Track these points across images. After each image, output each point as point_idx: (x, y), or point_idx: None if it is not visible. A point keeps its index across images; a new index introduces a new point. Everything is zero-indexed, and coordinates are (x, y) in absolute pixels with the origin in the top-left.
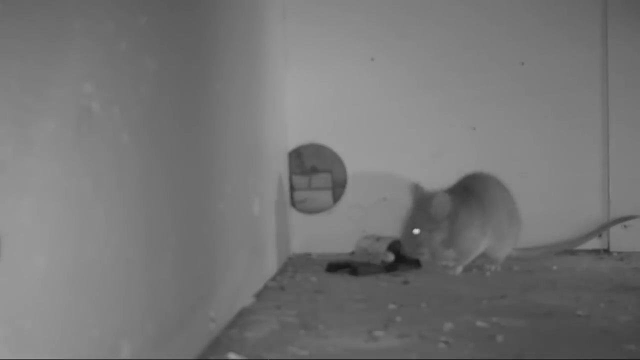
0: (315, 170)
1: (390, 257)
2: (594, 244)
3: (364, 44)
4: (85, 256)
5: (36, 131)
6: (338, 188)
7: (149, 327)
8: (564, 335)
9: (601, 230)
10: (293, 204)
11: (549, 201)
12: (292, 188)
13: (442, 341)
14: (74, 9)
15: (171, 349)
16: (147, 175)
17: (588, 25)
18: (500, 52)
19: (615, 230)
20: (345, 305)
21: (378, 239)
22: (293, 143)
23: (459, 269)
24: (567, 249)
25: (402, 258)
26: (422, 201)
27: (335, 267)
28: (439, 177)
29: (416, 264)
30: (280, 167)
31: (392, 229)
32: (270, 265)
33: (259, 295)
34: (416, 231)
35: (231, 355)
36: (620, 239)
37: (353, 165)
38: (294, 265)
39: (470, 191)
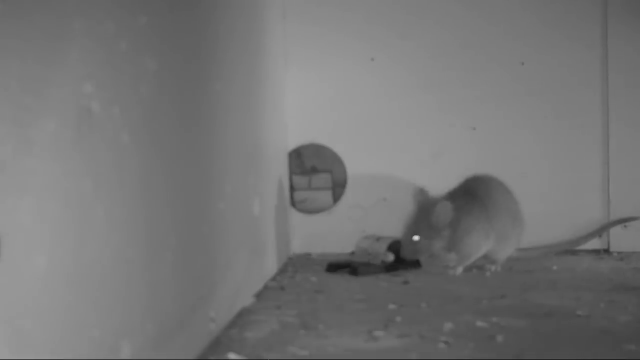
0: (315, 170)
1: (390, 257)
2: (594, 244)
3: (364, 44)
4: (85, 256)
5: (36, 131)
6: (338, 188)
7: (149, 327)
8: (564, 335)
9: (601, 231)
10: (293, 204)
11: (549, 201)
12: (292, 188)
13: (442, 341)
14: (74, 9)
15: (171, 349)
16: (147, 175)
17: (588, 25)
18: (500, 52)
19: (615, 230)
20: (345, 305)
21: (378, 239)
22: (293, 143)
23: (460, 269)
24: (567, 249)
25: (402, 258)
26: (424, 208)
27: (335, 267)
28: (439, 177)
29: (416, 264)
30: (280, 167)
31: (392, 229)
32: (270, 265)
33: (259, 295)
34: (416, 238)
35: (231, 355)
36: (620, 239)
37: (353, 165)
38: (294, 265)
39: (474, 195)
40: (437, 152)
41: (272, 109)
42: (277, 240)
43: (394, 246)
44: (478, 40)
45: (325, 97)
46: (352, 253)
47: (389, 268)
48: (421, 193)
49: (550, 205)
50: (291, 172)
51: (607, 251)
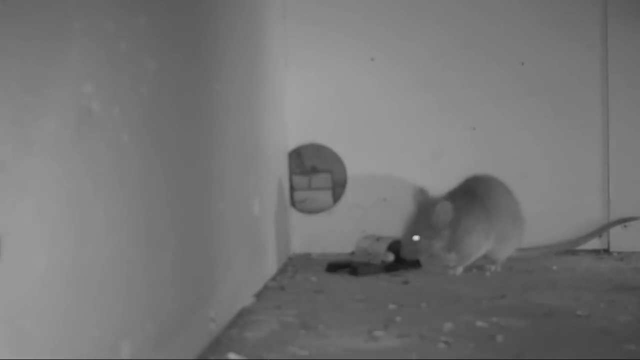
0: (315, 170)
1: (390, 257)
2: (594, 244)
3: (364, 44)
4: (85, 256)
5: (36, 131)
6: (338, 188)
7: (149, 327)
8: (564, 335)
9: (601, 231)
10: (293, 204)
11: (549, 201)
12: (292, 188)
13: (442, 341)
14: (74, 9)
15: (171, 349)
16: (147, 175)
17: (588, 25)
18: (500, 52)
19: (615, 230)
20: (345, 305)
21: (378, 239)
22: (293, 143)
23: (460, 269)
24: (567, 249)
25: (402, 258)
26: (424, 208)
27: (335, 267)
28: (439, 177)
29: (416, 264)
30: (280, 167)
31: (392, 229)
32: (270, 265)
33: (259, 295)
34: (416, 238)
35: (231, 355)
36: (620, 239)
37: (353, 165)
38: (294, 265)
39: (474, 195)
40: (437, 152)
41: (272, 109)
42: (277, 240)
43: (394, 246)
44: (478, 40)
45: (325, 97)
46: (352, 253)
47: (389, 268)
48: (421, 193)
49: (550, 205)
50: (291, 172)
51: (607, 251)
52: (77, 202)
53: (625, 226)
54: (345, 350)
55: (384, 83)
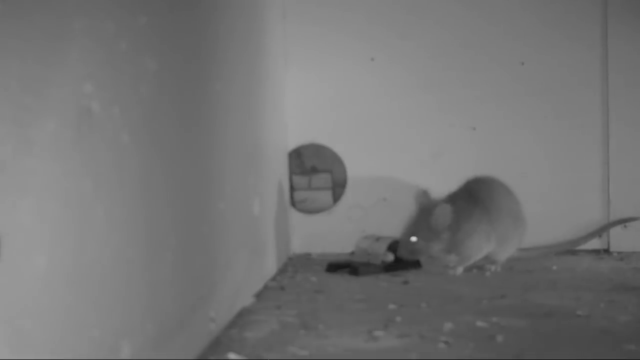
0: (315, 170)
1: (390, 257)
2: (594, 244)
3: (364, 44)
4: (85, 256)
5: (36, 131)
6: (338, 188)
7: (149, 327)
8: (564, 335)
9: (601, 231)
10: (293, 204)
11: (549, 201)
12: (292, 188)
13: (442, 341)
14: (74, 9)
15: (171, 349)
16: (147, 175)
17: (588, 25)
18: (500, 52)
19: (615, 230)
20: (345, 305)
21: (378, 239)
22: (293, 143)
23: (460, 270)
24: (568, 249)
25: (401, 258)
26: (424, 210)
27: (335, 267)
28: (439, 177)
29: (416, 264)
30: (280, 167)
31: (392, 229)
32: (270, 265)
33: (259, 295)
34: (413, 239)
35: (231, 355)
36: (620, 239)
37: (353, 165)
38: (294, 265)
39: (475, 197)
40: (437, 152)
41: (272, 109)
42: (277, 240)
43: (394, 246)
44: (478, 40)
45: (325, 97)
46: (352, 253)
47: (389, 268)
48: (423, 195)
49: (550, 205)
50: (291, 172)
51: (607, 251)
52: (77, 202)
53: (625, 226)
54: (345, 350)
55: (384, 83)
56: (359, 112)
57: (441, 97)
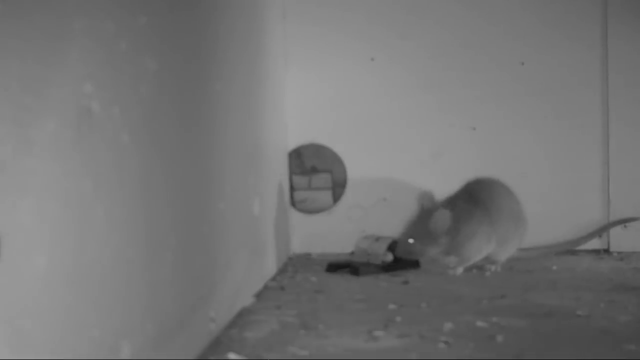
0: (315, 170)
1: (390, 257)
2: (594, 244)
3: (364, 44)
4: (85, 256)
5: (36, 131)
6: (338, 188)
7: (149, 327)
8: (564, 335)
9: (601, 231)
10: (293, 204)
11: (549, 201)
12: (292, 188)
13: (442, 341)
14: (74, 9)
15: (171, 349)
16: (147, 175)
17: (588, 25)
18: (500, 52)
19: (615, 230)
20: (345, 305)
21: (377, 239)
22: (293, 143)
23: (460, 270)
24: (568, 249)
25: (400, 258)
26: (424, 213)
27: (336, 267)
28: (439, 177)
29: (415, 264)
30: (280, 167)
31: (392, 229)
32: (270, 265)
33: (259, 295)
34: (411, 241)
35: (231, 355)
36: (620, 239)
37: (353, 165)
38: (294, 265)
39: (476, 199)
40: (437, 152)
41: (272, 109)
42: (277, 240)
43: (394, 246)
44: (478, 40)
45: (325, 97)
46: (352, 253)
47: (387, 268)
48: (426, 197)
49: (550, 205)
50: (291, 172)
51: (607, 251)
52: (77, 202)
53: (625, 226)
54: (345, 350)
55: (384, 83)
56: (359, 112)
57: (441, 97)
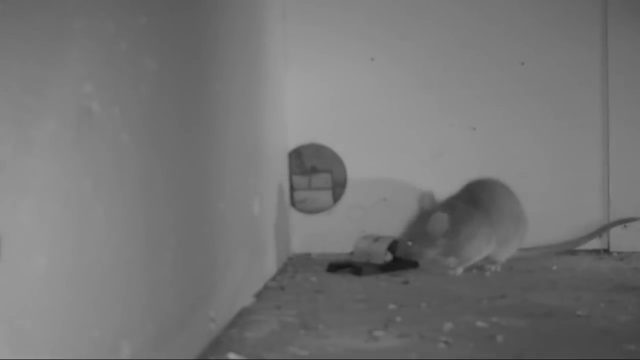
0: (315, 170)
1: (389, 257)
2: (594, 244)
3: (364, 44)
4: (85, 256)
5: (36, 131)
6: (338, 188)
7: (149, 327)
8: (564, 335)
9: (601, 231)
10: (293, 204)
11: (549, 201)
12: (292, 188)
13: (442, 341)
14: (74, 9)
15: (171, 349)
16: (147, 175)
17: (588, 25)
18: (500, 52)
19: (615, 230)
20: (346, 305)
21: (376, 239)
22: (293, 143)
23: (460, 270)
24: (568, 249)
25: (399, 258)
26: (423, 215)
27: (336, 267)
28: (439, 177)
29: (414, 263)
30: (280, 167)
31: (392, 229)
32: (270, 265)
33: (259, 295)
34: (409, 243)
35: (231, 355)
36: (620, 239)
37: (353, 165)
38: (294, 265)
39: (476, 200)
40: (437, 152)
41: (272, 109)
42: (277, 240)
43: (393, 246)
44: (478, 40)
45: (325, 97)
46: (352, 253)
47: (386, 268)
48: (427, 197)
49: (550, 205)
50: (291, 172)
51: (607, 251)
52: (77, 202)
53: (625, 226)
54: (345, 350)
55: (384, 83)
56: (359, 112)
57: (441, 97)
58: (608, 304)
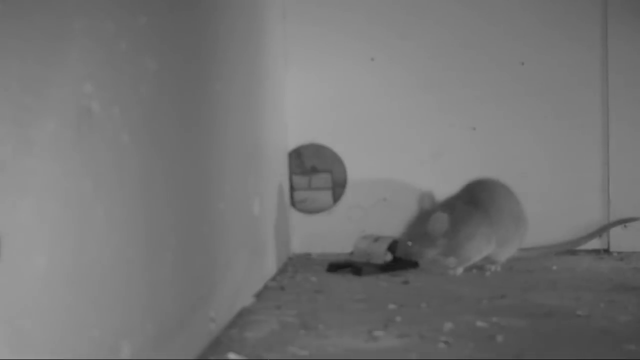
0: (315, 170)
1: (389, 257)
2: (594, 244)
3: (364, 44)
4: (85, 256)
5: (36, 131)
6: (338, 188)
7: (149, 327)
8: (564, 335)
9: (601, 231)
10: (293, 204)
11: (549, 201)
12: (292, 188)
13: (442, 341)
14: (74, 9)
15: (171, 349)
16: (147, 175)
17: (588, 25)
18: (500, 52)
19: (615, 230)
20: (345, 305)
21: (376, 239)
22: (293, 143)
23: (460, 270)
24: (568, 249)
25: (399, 257)
26: (423, 215)
27: (336, 267)
28: (439, 177)
29: (414, 263)
30: (280, 167)
31: (392, 229)
32: (270, 265)
33: (259, 295)
34: (409, 243)
35: (231, 355)
36: (620, 239)
37: (353, 165)
38: (294, 265)
39: (476, 200)
40: (437, 152)
41: (272, 109)
42: (277, 240)
43: (393, 246)
44: (478, 40)
45: (325, 97)
46: (352, 253)
47: (386, 268)
48: (427, 198)
49: (550, 205)
50: (291, 172)
51: (607, 251)
52: (77, 202)
53: (625, 226)
54: (345, 350)
55: (384, 83)
56: (359, 112)
57: (441, 97)
58: (608, 304)
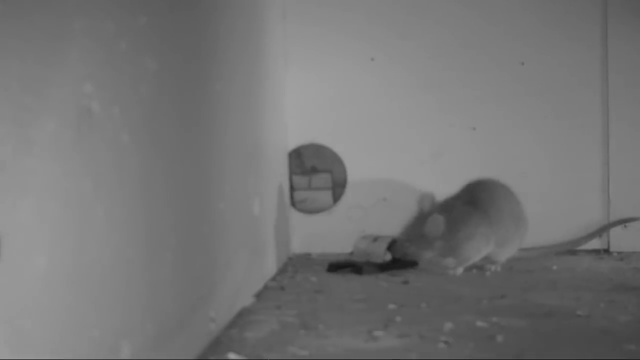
0: (315, 170)
1: (388, 257)
2: (594, 244)
3: (364, 44)
4: (85, 256)
5: (36, 131)
6: (338, 188)
7: (149, 327)
8: (564, 335)
9: (601, 231)
10: (293, 204)
11: (549, 201)
12: (292, 188)
13: (442, 341)
14: (74, 9)
15: (171, 349)
16: (147, 175)
17: (588, 25)
18: (500, 52)
19: (615, 230)
20: (345, 305)
21: (376, 239)
22: (293, 143)
23: (460, 270)
24: (568, 249)
25: (399, 258)
26: (421, 216)
27: (336, 267)
28: (439, 177)
29: (413, 263)
30: (280, 167)
31: (392, 229)
32: (270, 265)
33: (259, 295)
34: (407, 244)
35: (231, 355)
36: (620, 239)
37: (353, 165)
38: (294, 265)
39: (476, 200)
40: (437, 152)
41: (272, 109)
42: (277, 240)
43: (393, 246)
44: (478, 40)
45: (325, 97)
46: (351, 253)
47: (385, 267)
48: (427, 199)
49: (550, 205)
50: (291, 172)
51: (607, 251)
52: (77, 202)
53: (625, 226)
54: (345, 350)
55: (384, 83)
56: (359, 112)
57: (441, 97)
58: (608, 304)
